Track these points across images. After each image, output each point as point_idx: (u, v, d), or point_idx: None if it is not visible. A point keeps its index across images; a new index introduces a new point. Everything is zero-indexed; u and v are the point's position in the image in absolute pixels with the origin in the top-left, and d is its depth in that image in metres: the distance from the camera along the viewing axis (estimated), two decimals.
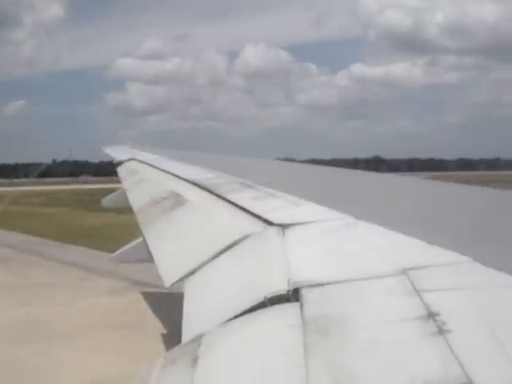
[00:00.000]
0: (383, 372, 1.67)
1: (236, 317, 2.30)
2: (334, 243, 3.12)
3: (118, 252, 5.90)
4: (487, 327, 1.82)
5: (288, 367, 1.78)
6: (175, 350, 2.27)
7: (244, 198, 4.83)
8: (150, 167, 9.90)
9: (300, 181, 7.48)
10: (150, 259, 4.62)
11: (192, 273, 3.28)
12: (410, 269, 2.37)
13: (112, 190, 11.84)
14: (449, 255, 2.54)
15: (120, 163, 12.42)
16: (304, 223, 3.49)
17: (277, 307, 2.23)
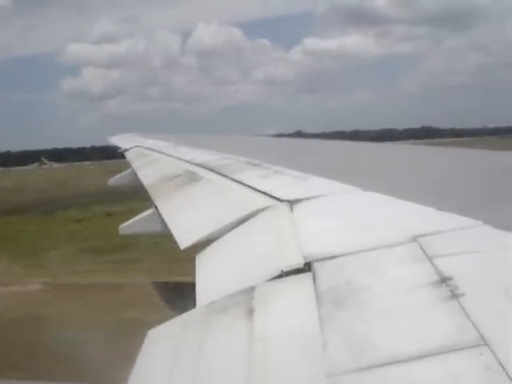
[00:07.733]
0: (398, 339, 1.69)
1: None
2: (342, 216, 3.12)
3: (127, 222, 5.78)
4: (500, 289, 1.83)
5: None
6: (222, 300, 2.29)
7: (252, 176, 4.84)
8: (155, 153, 9.91)
9: (303, 156, 7.46)
10: (161, 230, 4.67)
11: (204, 240, 3.40)
12: (421, 236, 2.37)
13: None
14: (458, 220, 2.54)
15: (126, 150, 12.43)
16: (312, 198, 3.50)
17: (294, 277, 2.25)
